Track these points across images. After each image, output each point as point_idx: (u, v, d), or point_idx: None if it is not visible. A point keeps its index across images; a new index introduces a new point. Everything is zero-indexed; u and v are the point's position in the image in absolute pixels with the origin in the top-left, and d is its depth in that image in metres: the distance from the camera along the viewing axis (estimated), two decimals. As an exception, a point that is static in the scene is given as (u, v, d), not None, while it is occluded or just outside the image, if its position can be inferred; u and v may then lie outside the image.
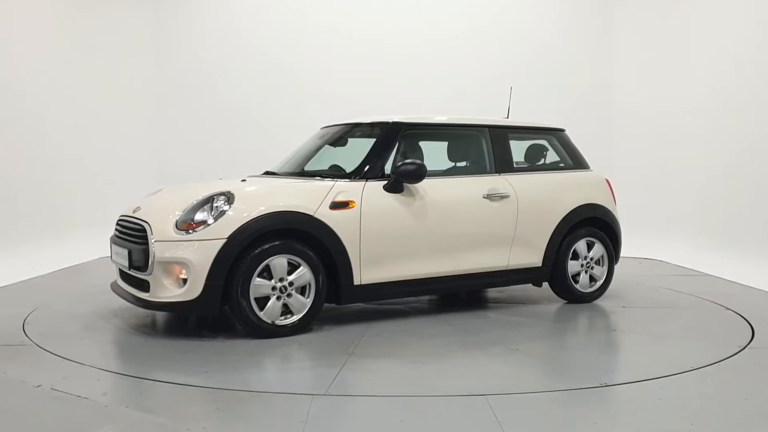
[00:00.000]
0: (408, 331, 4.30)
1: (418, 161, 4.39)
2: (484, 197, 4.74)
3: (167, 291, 3.93)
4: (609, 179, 5.55)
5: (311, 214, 4.10)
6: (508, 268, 4.87)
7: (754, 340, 4.12)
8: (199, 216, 3.95)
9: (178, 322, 4.48)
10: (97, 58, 8.72)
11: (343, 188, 4.29)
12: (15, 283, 5.84)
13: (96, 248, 7.33)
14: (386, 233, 4.35)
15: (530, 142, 5.45)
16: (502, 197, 4.80)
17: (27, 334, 4.09)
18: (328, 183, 4.33)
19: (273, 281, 4.01)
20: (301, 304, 4.11)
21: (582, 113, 8.50)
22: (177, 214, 3.99)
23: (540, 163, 5.40)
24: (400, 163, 4.39)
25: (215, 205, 3.98)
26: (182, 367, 3.49)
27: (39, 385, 3.13)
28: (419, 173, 4.38)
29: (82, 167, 8.55)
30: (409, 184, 4.44)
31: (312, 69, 8.89)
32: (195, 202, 4.02)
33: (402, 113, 4.89)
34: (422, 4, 8.98)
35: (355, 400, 3.02)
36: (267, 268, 3.99)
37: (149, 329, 4.30)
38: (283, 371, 3.59)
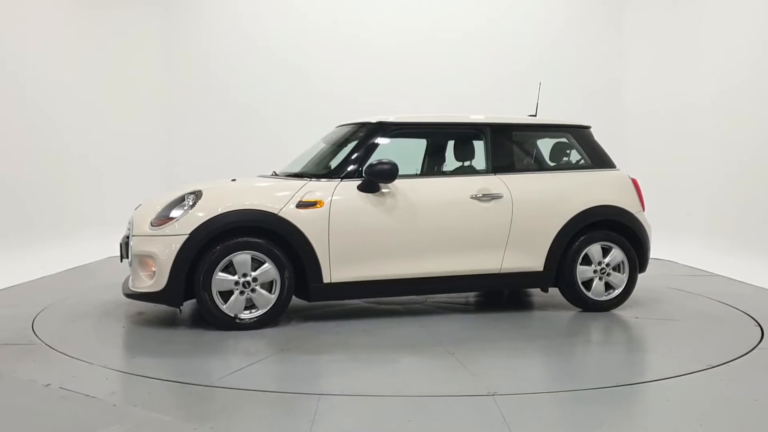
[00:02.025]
0: (369, 332, 4.26)
1: (391, 161, 4.35)
2: (471, 198, 4.58)
3: (142, 282, 4.19)
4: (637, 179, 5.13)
5: (275, 212, 4.19)
6: (501, 271, 4.66)
7: (763, 340, 4.10)
8: (173, 213, 4.19)
9: (185, 321, 4.49)
10: (104, 58, 8.76)
11: (313, 188, 4.34)
12: (24, 283, 5.87)
13: (104, 248, 7.38)
14: (357, 233, 4.35)
15: (545, 140, 5.22)
16: (493, 198, 4.60)
17: (36, 334, 4.12)
18: (298, 182, 4.40)
19: (236, 276, 4.15)
20: (265, 300, 4.22)
21: (592, 113, 8.43)
22: (158, 211, 4.26)
23: (556, 162, 5.14)
24: (373, 162, 4.36)
25: (185, 203, 4.21)
26: (189, 366, 3.51)
27: (48, 384, 3.15)
28: (390, 173, 4.33)
29: (90, 168, 8.59)
30: (386, 184, 4.40)
31: (321, 69, 8.89)
32: (172, 200, 4.28)
33: (415, 112, 4.92)
34: (431, 4, 8.97)
35: (362, 400, 3.01)
36: (233, 264, 4.16)
37: (157, 329, 4.31)
38: (182, 358, 3.69)
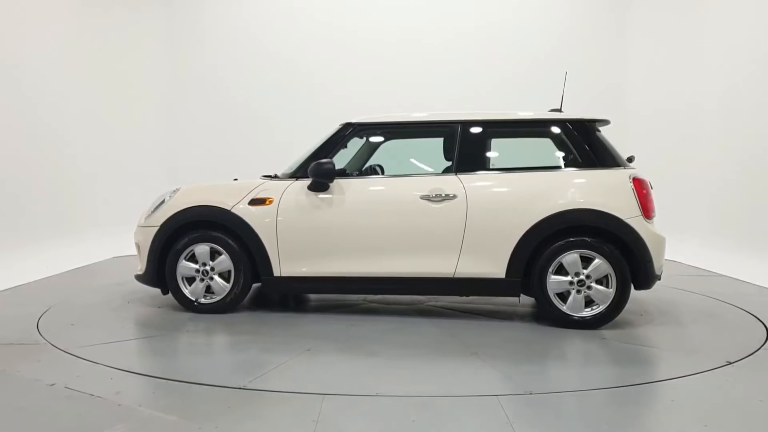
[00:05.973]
0: (301, 327, 4.36)
1: (331, 161, 4.50)
2: (422, 198, 4.40)
3: (139, 266, 4.85)
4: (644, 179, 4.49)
5: (227, 208, 4.58)
6: (456, 276, 4.37)
7: (768, 341, 4.10)
8: (159, 208, 4.75)
9: (187, 322, 4.51)
10: (108, 62, 8.77)
11: (268, 187, 4.63)
12: (29, 283, 5.89)
13: (108, 248, 7.40)
14: (304, 230, 4.51)
15: (531, 137, 4.99)
16: (444, 199, 4.37)
17: (41, 333, 4.14)
18: (256, 181, 4.72)
19: (197, 265, 4.65)
20: (221, 288, 4.66)
21: (595, 114, 8.45)
22: (154, 206, 4.84)
23: (544, 160, 4.85)
24: (316, 162, 4.47)
25: (167, 199, 4.78)
26: (192, 366, 3.52)
27: (53, 384, 3.16)
28: (327, 173, 4.45)
29: (95, 168, 8.60)
30: (332, 183, 4.52)
31: (325, 70, 8.90)
32: (161, 197, 4.84)
33: (388, 112, 4.98)
34: (434, 5, 8.97)
35: (364, 400, 3.02)
36: (195, 254, 4.66)
37: (160, 328, 4.33)
38: (70, 329, 4.20)
